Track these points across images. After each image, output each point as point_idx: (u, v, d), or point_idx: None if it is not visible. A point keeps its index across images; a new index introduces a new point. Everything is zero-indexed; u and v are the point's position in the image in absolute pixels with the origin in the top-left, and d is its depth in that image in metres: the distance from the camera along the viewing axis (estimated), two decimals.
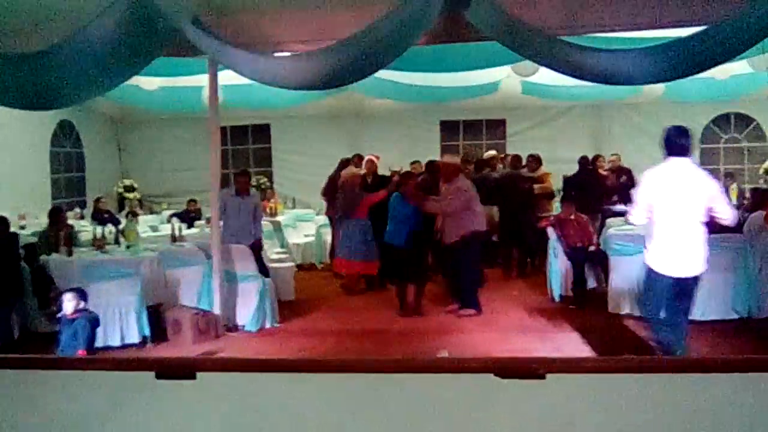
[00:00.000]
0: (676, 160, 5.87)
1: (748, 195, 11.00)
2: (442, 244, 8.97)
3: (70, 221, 10.39)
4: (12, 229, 8.62)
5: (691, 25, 6.68)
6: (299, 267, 11.39)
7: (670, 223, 5.84)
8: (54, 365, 2.66)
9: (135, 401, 2.46)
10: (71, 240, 8.74)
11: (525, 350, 7.13)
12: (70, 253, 8.30)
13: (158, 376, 2.42)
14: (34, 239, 9.33)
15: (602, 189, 11.56)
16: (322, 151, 14.53)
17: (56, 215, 9.50)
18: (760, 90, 12.43)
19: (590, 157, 12.25)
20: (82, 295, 6.54)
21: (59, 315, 6.52)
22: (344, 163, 11.26)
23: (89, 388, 2.51)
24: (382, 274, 9.99)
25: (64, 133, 13.73)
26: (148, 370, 2.45)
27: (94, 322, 6.54)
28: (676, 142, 5.88)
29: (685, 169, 5.86)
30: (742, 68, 10.67)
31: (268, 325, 8.28)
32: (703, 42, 6.33)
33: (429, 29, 6.71)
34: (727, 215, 5.89)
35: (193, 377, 2.41)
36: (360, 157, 11.46)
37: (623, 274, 8.28)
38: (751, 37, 6.35)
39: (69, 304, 6.39)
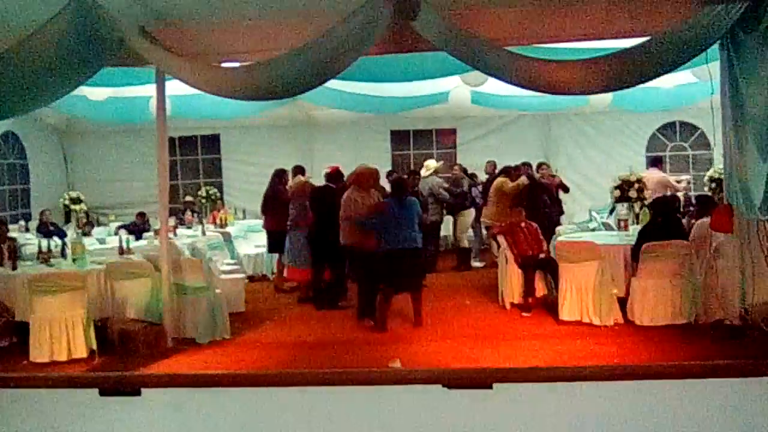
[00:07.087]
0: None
1: (693, 202, 11.19)
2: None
3: (14, 234, 10.18)
4: None
5: (635, 36, 6.79)
6: (251, 278, 11.31)
7: None
8: None
9: (79, 420, 2.41)
10: (15, 253, 8.56)
11: (476, 359, 7.15)
12: (14, 267, 8.15)
13: (102, 393, 2.38)
14: None
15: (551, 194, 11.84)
16: (272, 161, 14.32)
17: None
18: (705, 99, 12.66)
19: (535, 165, 12.57)
20: None
21: None
22: (279, 174, 11.09)
23: (31, 406, 2.46)
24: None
25: (8, 144, 13.47)
26: (91, 387, 2.40)
27: None
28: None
29: None
30: (687, 78, 10.85)
31: (218, 338, 8.18)
32: (647, 52, 6.46)
33: (378, 39, 6.71)
34: None
35: (138, 393, 2.37)
36: (299, 168, 11.27)
37: (573, 282, 8.35)
38: (694, 47, 6.50)
39: None
